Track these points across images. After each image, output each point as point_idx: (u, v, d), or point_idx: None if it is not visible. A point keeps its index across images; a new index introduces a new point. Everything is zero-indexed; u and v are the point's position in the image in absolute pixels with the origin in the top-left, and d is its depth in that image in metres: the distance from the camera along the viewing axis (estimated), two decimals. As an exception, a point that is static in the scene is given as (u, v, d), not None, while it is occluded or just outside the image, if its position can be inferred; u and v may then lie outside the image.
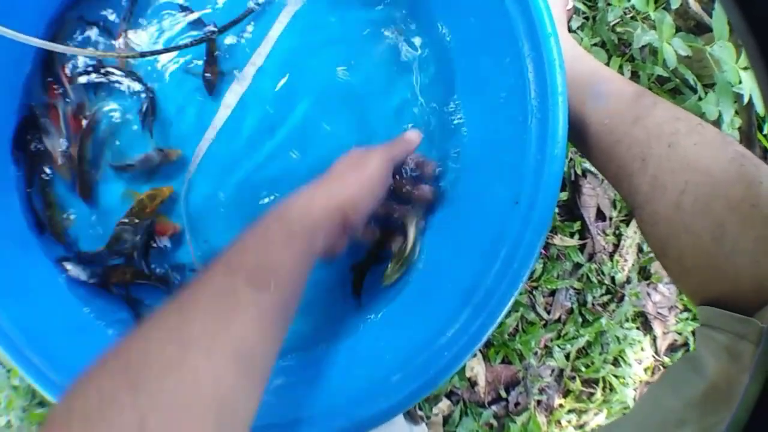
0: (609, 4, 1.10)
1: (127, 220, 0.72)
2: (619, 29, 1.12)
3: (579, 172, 1.16)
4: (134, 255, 0.73)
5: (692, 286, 0.57)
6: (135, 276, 0.73)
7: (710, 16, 1.10)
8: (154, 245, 0.74)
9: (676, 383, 0.53)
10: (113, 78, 0.74)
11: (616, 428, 0.61)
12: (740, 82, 1.01)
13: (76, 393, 0.40)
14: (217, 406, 0.40)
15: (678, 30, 1.04)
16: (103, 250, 0.73)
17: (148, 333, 0.43)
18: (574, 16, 1.11)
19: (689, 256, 0.54)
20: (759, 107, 1.05)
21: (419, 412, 1.10)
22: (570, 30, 1.09)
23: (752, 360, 0.47)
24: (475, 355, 1.15)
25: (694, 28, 1.15)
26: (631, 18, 1.11)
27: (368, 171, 0.60)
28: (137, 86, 0.74)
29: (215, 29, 0.73)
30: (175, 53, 0.74)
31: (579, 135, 0.65)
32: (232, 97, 0.74)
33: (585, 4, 1.13)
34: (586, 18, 1.13)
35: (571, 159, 1.16)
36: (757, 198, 0.50)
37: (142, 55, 0.70)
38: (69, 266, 0.71)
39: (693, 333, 1.26)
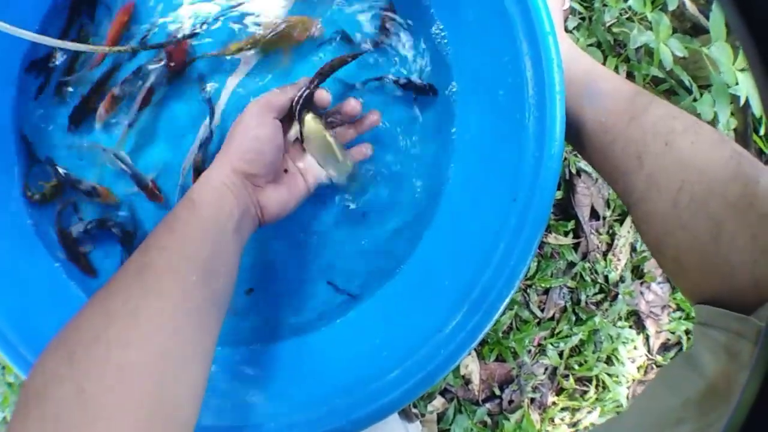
0: (605, 5, 1.10)
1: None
2: (615, 30, 1.12)
3: (573, 171, 1.17)
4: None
5: (689, 284, 0.57)
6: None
7: (707, 17, 1.10)
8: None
9: (673, 382, 0.53)
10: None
11: (614, 426, 0.61)
12: (737, 84, 1.01)
13: (29, 376, 0.45)
14: (149, 366, 0.44)
15: (674, 31, 1.05)
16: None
17: (80, 312, 0.47)
18: (570, 16, 1.11)
19: (686, 254, 0.55)
20: (755, 109, 1.05)
21: (414, 410, 1.10)
22: (566, 30, 1.09)
23: (751, 358, 0.47)
24: (469, 353, 1.15)
25: (690, 29, 1.15)
26: (627, 19, 1.11)
27: (243, 123, 0.61)
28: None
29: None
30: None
31: (575, 133, 0.65)
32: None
33: (581, 4, 1.13)
34: (582, 18, 1.14)
35: (565, 158, 1.16)
36: (754, 197, 0.50)
37: (134, 50, 0.70)
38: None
39: (686, 332, 1.27)
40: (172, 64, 0.71)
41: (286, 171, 0.65)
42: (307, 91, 0.64)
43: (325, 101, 0.65)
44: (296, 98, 0.64)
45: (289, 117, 0.65)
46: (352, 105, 0.66)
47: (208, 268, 0.52)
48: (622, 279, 1.23)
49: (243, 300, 0.74)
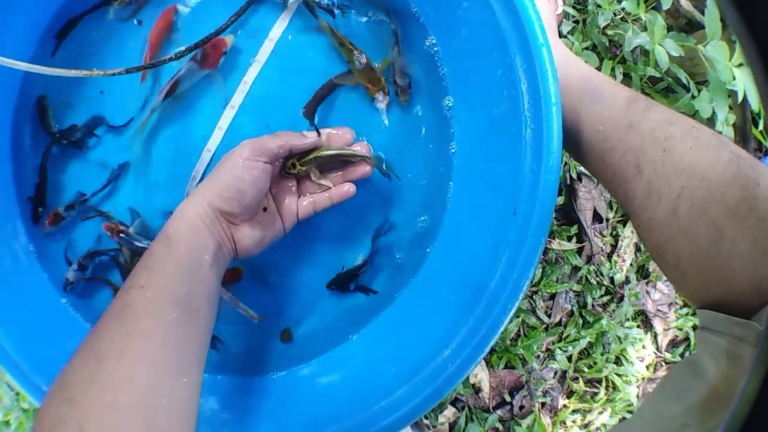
0: (599, 7, 1.10)
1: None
2: (609, 32, 1.12)
3: (574, 175, 1.16)
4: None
5: (690, 289, 0.57)
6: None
7: (702, 13, 1.09)
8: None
9: (676, 388, 0.53)
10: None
11: None
12: (734, 79, 1.01)
13: (38, 419, 0.48)
14: (138, 405, 0.47)
15: (669, 29, 1.04)
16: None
17: (76, 353, 0.50)
18: (564, 20, 1.11)
19: (686, 260, 0.55)
20: (753, 104, 1.05)
21: (425, 421, 1.10)
22: (560, 35, 1.09)
23: (751, 360, 0.47)
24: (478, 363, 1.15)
25: (686, 26, 1.15)
26: (622, 20, 1.11)
27: (230, 160, 0.60)
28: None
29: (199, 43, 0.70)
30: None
31: (573, 142, 0.65)
32: (224, 120, 0.74)
33: (575, 8, 1.13)
34: (576, 22, 1.13)
35: (566, 163, 1.16)
36: (754, 200, 0.50)
37: (128, 71, 0.70)
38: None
39: (694, 327, 1.26)
40: (205, 60, 0.71)
41: (265, 209, 0.64)
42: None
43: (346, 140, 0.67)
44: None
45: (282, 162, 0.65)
46: (346, 135, 0.67)
47: (188, 304, 0.53)
48: (627, 280, 1.22)
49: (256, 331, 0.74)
